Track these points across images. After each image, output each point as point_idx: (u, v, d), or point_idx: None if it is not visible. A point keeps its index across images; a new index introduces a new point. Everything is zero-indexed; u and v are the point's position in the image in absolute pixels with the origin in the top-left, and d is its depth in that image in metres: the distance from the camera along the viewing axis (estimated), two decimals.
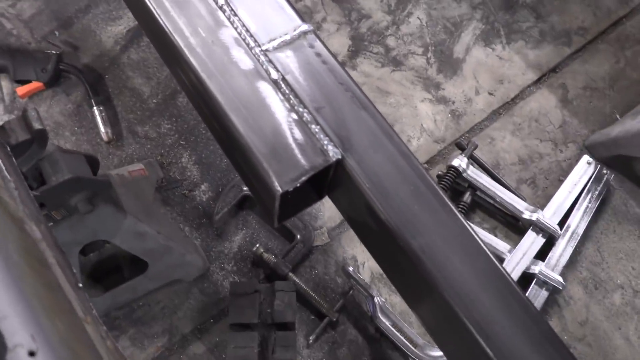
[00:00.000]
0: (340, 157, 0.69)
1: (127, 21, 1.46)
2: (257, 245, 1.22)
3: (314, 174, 0.68)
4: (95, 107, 1.32)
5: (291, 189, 0.67)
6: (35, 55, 1.37)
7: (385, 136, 0.73)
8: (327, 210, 1.30)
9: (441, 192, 0.71)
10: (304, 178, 0.67)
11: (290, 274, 1.20)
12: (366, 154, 0.71)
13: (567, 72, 1.54)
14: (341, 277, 1.24)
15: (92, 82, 1.37)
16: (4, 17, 1.44)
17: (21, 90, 1.35)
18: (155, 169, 1.28)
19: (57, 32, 1.44)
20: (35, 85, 1.35)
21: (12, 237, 0.56)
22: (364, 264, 1.26)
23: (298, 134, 0.70)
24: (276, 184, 0.66)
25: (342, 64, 0.77)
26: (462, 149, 1.35)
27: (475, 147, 1.35)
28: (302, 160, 0.68)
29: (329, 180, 0.74)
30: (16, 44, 1.42)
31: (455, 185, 1.32)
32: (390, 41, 1.51)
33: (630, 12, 1.63)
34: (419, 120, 1.42)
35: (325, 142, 0.70)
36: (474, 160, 1.34)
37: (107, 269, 1.20)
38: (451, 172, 1.30)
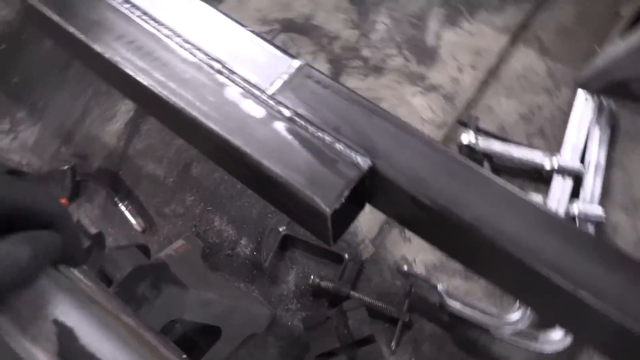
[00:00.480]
0: (371, 164, 0.75)
1: (122, 116, 1.54)
2: (312, 277, 1.27)
3: (353, 186, 0.73)
4: (120, 204, 1.38)
5: (338, 207, 0.72)
6: (51, 176, 1.44)
7: (403, 131, 0.78)
8: (363, 224, 1.35)
9: (469, 161, 0.76)
10: (346, 193, 0.72)
11: (352, 292, 1.24)
12: (393, 154, 0.76)
13: (535, 24, 1.60)
14: (399, 280, 1.28)
15: (109, 182, 1.44)
16: (10, 152, 1.52)
17: None
18: (195, 241, 1.33)
19: (63, 149, 1.51)
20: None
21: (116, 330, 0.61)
22: (415, 259, 1.30)
23: (327, 157, 0.75)
24: (323, 206, 0.72)
25: (341, 83, 0.83)
26: (465, 125, 1.40)
27: (477, 119, 1.40)
28: (339, 178, 0.74)
29: (366, 189, 0.80)
30: (29, 171, 1.49)
31: (472, 160, 1.37)
32: (366, 52, 1.58)
33: None
34: (417, 113, 1.48)
35: (353, 155, 0.75)
36: (480, 131, 1.40)
37: (184, 349, 1.24)
38: (464, 149, 1.35)
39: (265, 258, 1.30)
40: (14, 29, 1.67)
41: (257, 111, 0.80)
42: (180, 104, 0.82)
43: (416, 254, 1.31)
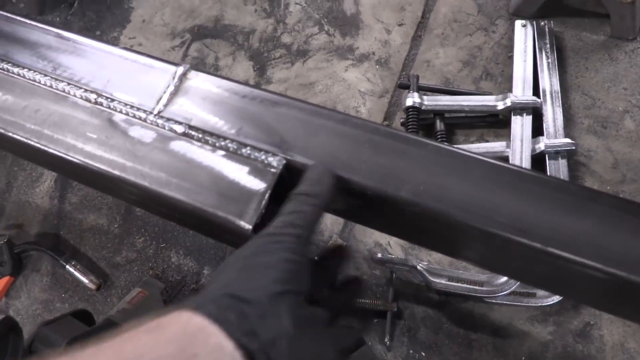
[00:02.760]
0: (285, 161, 0.64)
1: (49, 173, 1.42)
2: None
3: (270, 192, 0.63)
4: (67, 266, 1.27)
5: (259, 221, 0.62)
6: None
7: (313, 115, 0.68)
8: (326, 220, 1.25)
9: (395, 130, 0.66)
10: (264, 202, 0.62)
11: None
12: (308, 143, 0.66)
13: None
14: (378, 268, 1.18)
15: (52, 245, 1.32)
16: None
17: None
18: (154, 284, 1.22)
19: None
20: (3, 281, 1.30)
21: None
22: (389, 242, 1.20)
23: (234, 166, 0.65)
24: (242, 223, 0.61)
25: (233, 79, 0.72)
26: (407, 87, 1.30)
27: (417, 78, 1.30)
28: (252, 186, 0.63)
29: (289, 188, 0.69)
30: None
31: (423, 121, 1.27)
32: (286, 38, 1.48)
33: None
34: (354, 87, 1.37)
35: (263, 157, 0.65)
36: (424, 90, 1.30)
37: None
38: (410, 112, 1.25)
39: None
40: None
41: (147, 135, 0.69)
42: (61, 150, 0.71)
43: (389, 237, 1.21)
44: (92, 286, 1.26)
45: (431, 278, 1.09)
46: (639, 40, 1.31)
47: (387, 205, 0.63)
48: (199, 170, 0.66)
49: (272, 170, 0.64)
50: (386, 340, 1.12)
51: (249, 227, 0.61)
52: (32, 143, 0.73)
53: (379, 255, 1.12)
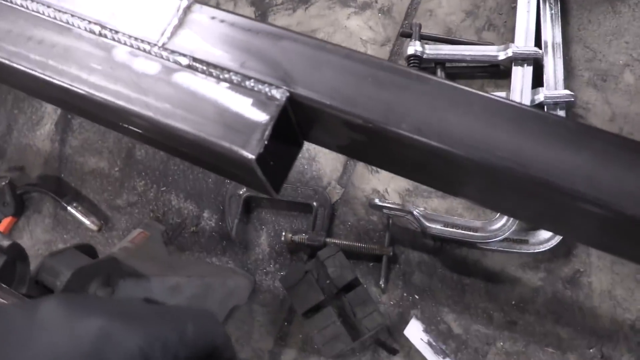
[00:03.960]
0: (288, 94, 0.65)
1: (50, 116, 1.42)
2: (284, 233, 1.19)
3: (274, 123, 0.64)
4: (69, 207, 1.29)
5: (262, 150, 0.63)
6: None
7: (318, 49, 0.68)
8: (325, 166, 1.26)
9: (398, 65, 0.67)
10: (267, 132, 0.63)
11: (328, 239, 1.17)
12: (312, 77, 0.66)
13: None
14: (375, 214, 1.21)
15: (53, 188, 1.34)
16: None
17: None
18: (155, 226, 1.24)
19: None
20: (6, 221, 1.32)
21: None
22: (386, 189, 1.22)
23: (238, 98, 0.66)
24: (246, 154, 0.63)
25: (237, 13, 0.72)
26: (409, 36, 1.30)
27: (420, 26, 1.29)
28: (256, 118, 0.64)
29: (293, 123, 0.70)
30: None
31: (424, 71, 1.27)
32: None
33: None
34: (356, 35, 1.37)
35: (267, 89, 0.66)
36: (426, 39, 1.29)
37: None
38: (412, 61, 1.25)
39: (231, 226, 1.22)
40: None
41: (152, 67, 0.70)
42: (65, 81, 0.71)
43: (387, 183, 1.23)
44: (93, 227, 1.28)
45: (427, 224, 1.11)
46: None
47: (389, 140, 0.64)
48: (203, 102, 0.67)
49: (276, 102, 0.65)
50: (381, 283, 1.15)
51: (252, 156, 0.62)
52: (36, 74, 0.73)
53: (377, 201, 1.14)
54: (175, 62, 0.69)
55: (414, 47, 1.25)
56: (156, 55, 0.70)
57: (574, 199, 0.58)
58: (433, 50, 1.26)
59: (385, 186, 1.23)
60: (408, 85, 0.65)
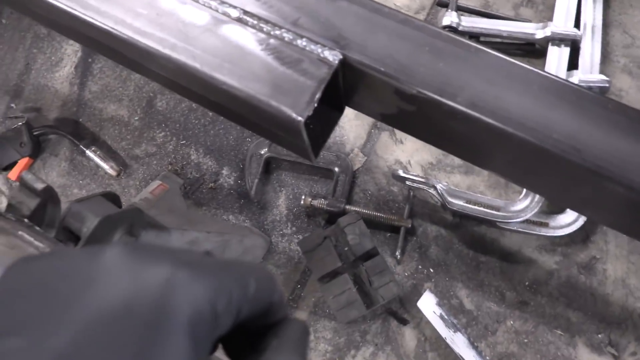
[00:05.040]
0: (341, 56, 0.63)
1: (69, 59, 1.39)
2: (304, 197, 1.18)
3: (325, 86, 0.62)
4: (87, 151, 1.27)
5: (311, 113, 0.61)
6: (5, 136, 1.32)
7: (374, 12, 0.66)
8: (349, 132, 1.25)
9: (455, 36, 0.65)
10: (317, 96, 0.61)
11: (347, 206, 1.16)
12: (366, 41, 0.64)
13: None
14: (396, 185, 1.20)
15: (71, 131, 1.32)
16: None
17: (13, 174, 1.30)
18: (173, 179, 1.23)
19: (13, 105, 1.38)
20: (22, 162, 1.30)
21: None
22: (409, 161, 1.21)
23: (289, 57, 0.64)
24: (294, 115, 0.61)
25: None
26: (445, 5, 1.26)
27: None
28: (307, 79, 0.62)
29: (340, 88, 0.69)
30: None
31: None
32: None
33: None
34: (390, 1, 1.33)
35: (319, 50, 0.64)
36: (462, 10, 1.26)
37: None
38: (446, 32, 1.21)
39: (250, 185, 1.21)
40: None
41: (200, 17, 0.67)
42: (108, 24, 0.69)
43: (410, 155, 1.22)
44: (112, 172, 1.27)
45: (450, 199, 1.11)
46: None
47: (442, 112, 0.63)
48: (252, 57, 0.65)
49: (328, 64, 0.63)
50: (397, 254, 1.15)
51: (300, 119, 0.61)
52: (77, 14, 0.71)
53: (400, 172, 1.13)
54: (225, 13, 0.67)
55: (449, 18, 1.22)
56: (205, 5, 0.68)
57: (627, 189, 0.57)
58: (469, 22, 1.23)
59: (408, 158, 1.22)
60: (466, 58, 0.63)
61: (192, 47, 0.66)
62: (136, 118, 1.32)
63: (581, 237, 1.13)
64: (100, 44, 0.76)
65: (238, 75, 0.64)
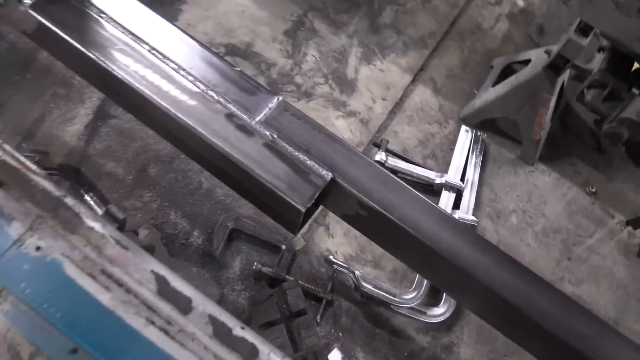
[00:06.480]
0: (332, 175, 1.07)
1: (82, 119, 1.71)
2: (256, 263, 1.55)
3: (320, 192, 1.05)
4: (86, 196, 1.56)
5: (309, 206, 1.03)
6: None
7: (353, 154, 1.11)
8: None
9: (394, 176, 1.11)
10: (316, 195, 1.04)
11: (287, 276, 1.55)
12: (347, 169, 1.09)
13: (431, 68, 2.03)
14: (324, 267, 1.61)
15: (73, 177, 1.61)
16: None
17: None
18: (154, 231, 1.56)
19: (23, 145, 1.66)
20: None
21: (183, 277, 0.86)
22: (337, 251, 1.64)
23: (301, 170, 1.06)
24: (299, 206, 1.02)
25: (307, 117, 1.14)
26: (378, 146, 1.77)
27: (387, 142, 1.78)
28: (310, 185, 1.05)
29: (322, 193, 1.12)
30: None
31: None
32: (298, 79, 1.90)
33: (459, 12, 2.16)
34: (340, 133, 1.82)
35: (320, 169, 1.07)
36: (389, 152, 1.77)
37: None
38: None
39: (216, 247, 1.57)
40: None
41: (250, 133, 1.09)
42: (209, 136, 1.08)
43: (337, 247, 1.65)
44: None
45: (362, 282, 1.54)
46: (535, 167, 1.89)
47: (382, 219, 1.07)
48: (278, 164, 1.06)
49: (324, 179, 1.06)
50: (317, 318, 1.54)
51: (302, 209, 1.02)
52: (171, 114, 1.09)
53: (331, 257, 1.55)
54: (265, 135, 1.09)
55: (380, 156, 1.73)
56: (254, 127, 1.09)
57: (479, 284, 1.03)
58: (393, 162, 1.74)
59: (336, 249, 1.65)
60: (401, 190, 1.09)
61: (243, 150, 1.06)
62: (130, 177, 1.65)
63: (446, 326, 1.59)
64: (178, 140, 1.14)
65: (269, 173, 1.05)
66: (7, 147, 0.84)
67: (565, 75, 1.79)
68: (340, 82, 1.93)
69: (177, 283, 0.78)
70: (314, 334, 1.44)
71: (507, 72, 1.97)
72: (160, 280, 0.77)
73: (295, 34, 1.99)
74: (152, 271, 0.77)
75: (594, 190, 1.88)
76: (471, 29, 2.16)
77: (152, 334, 0.72)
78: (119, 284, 0.74)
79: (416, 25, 2.10)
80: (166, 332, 0.73)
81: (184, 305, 0.77)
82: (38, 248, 0.75)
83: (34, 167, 0.86)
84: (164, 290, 0.76)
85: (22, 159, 0.85)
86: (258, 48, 1.94)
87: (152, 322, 0.73)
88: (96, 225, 0.79)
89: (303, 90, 1.89)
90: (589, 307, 1.70)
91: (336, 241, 1.66)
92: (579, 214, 1.85)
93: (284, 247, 1.60)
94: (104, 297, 0.73)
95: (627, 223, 1.53)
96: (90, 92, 1.76)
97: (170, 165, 1.68)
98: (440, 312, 1.58)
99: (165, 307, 0.74)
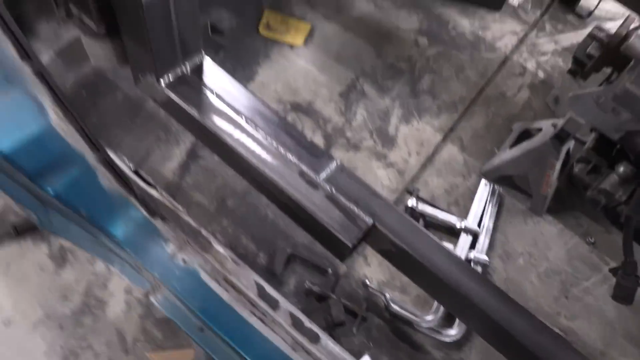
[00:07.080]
0: (373, 221, 1.48)
1: (177, 158, 2.18)
2: (307, 282, 1.96)
3: (363, 233, 1.45)
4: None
5: (356, 242, 1.44)
6: None
7: (388, 205, 1.52)
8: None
9: (420, 227, 1.51)
10: (360, 236, 1.45)
11: (332, 294, 1.95)
12: (385, 218, 1.49)
13: (459, 129, 2.42)
14: (361, 289, 2.01)
15: None
16: None
17: None
18: None
19: None
20: None
21: None
22: (372, 277, 2.04)
23: (351, 215, 1.48)
24: (348, 242, 1.43)
25: (357, 177, 1.55)
26: (410, 193, 2.17)
27: (418, 190, 2.18)
28: (356, 228, 1.46)
29: (365, 234, 1.52)
30: None
31: (413, 217, 2.13)
32: (348, 133, 2.33)
33: (487, 81, 2.56)
34: (379, 180, 2.23)
35: (364, 216, 1.48)
36: (419, 198, 2.17)
37: None
38: (409, 210, 2.11)
39: (277, 267, 1.98)
40: (90, 80, 2.27)
41: (315, 186, 1.51)
42: (280, 182, 1.51)
43: (373, 273, 2.04)
44: None
45: (392, 303, 1.93)
46: (542, 218, 2.25)
47: (409, 257, 1.47)
48: (335, 211, 1.48)
49: (367, 223, 1.47)
50: (354, 329, 1.93)
51: (350, 245, 1.43)
52: (259, 169, 1.52)
53: (367, 281, 1.95)
54: (326, 188, 1.51)
55: (411, 202, 2.12)
56: (318, 183, 1.51)
57: (484, 314, 1.41)
58: (422, 207, 2.13)
59: (371, 275, 2.04)
60: (424, 236, 1.49)
61: (311, 198, 1.48)
62: (213, 207, 2.09)
63: (457, 345, 1.96)
64: (259, 183, 1.57)
65: (327, 216, 1.46)
66: (164, 193, 1.28)
67: (571, 143, 2.15)
68: (382, 138, 2.34)
69: (269, 290, 1.20)
70: (351, 342, 1.83)
71: (524, 135, 2.34)
72: (259, 287, 1.18)
73: (348, 95, 2.43)
74: (254, 280, 1.19)
75: (593, 240, 2.22)
76: (496, 96, 2.55)
77: (254, 321, 1.13)
78: (234, 287, 1.16)
79: (449, 92, 2.50)
80: (263, 321, 1.14)
81: (273, 304, 1.18)
82: (184, 261, 1.17)
83: (180, 207, 1.29)
84: (261, 293, 1.18)
85: (173, 201, 1.29)
86: (317, 106, 2.38)
87: (254, 314, 1.14)
88: (220, 249, 1.21)
89: (352, 143, 2.31)
90: (581, 339, 2.04)
91: (372, 269, 2.05)
92: (578, 259, 2.19)
93: (330, 270, 2.00)
94: (225, 295, 1.14)
95: (609, 270, 1.87)
96: (184, 137, 2.22)
97: (244, 199, 2.12)
98: (453, 333, 1.94)
99: (262, 305, 1.16)
